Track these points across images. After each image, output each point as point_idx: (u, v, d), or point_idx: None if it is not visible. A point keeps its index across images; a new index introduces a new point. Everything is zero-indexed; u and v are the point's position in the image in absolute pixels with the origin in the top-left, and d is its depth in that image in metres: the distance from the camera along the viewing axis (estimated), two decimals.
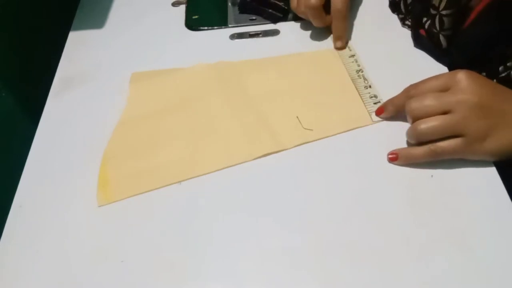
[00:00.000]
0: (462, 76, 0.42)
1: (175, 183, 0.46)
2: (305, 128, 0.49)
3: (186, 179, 0.47)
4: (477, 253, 0.39)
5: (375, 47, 0.57)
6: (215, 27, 0.63)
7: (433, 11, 0.51)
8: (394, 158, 0.45)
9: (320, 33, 0.59)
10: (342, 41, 0.57)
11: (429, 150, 0.43)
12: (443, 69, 0.53)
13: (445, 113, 0.42)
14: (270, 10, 0.62)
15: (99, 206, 0.46)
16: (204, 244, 0.42)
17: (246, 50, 0.59)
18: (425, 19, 0.53)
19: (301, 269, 0.40)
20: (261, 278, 0.40)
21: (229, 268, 0.40)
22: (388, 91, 0.49)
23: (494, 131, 0.41)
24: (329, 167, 0.46)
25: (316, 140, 0.48)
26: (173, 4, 0.67)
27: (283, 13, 0.62)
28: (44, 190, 0.47)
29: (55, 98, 0.56)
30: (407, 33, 0.57)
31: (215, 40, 0.61)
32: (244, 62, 0.57)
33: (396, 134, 0.47)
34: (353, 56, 0.56)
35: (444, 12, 0.50)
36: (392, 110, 0.48)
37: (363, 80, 0.53)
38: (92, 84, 0.57)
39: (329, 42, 0.59)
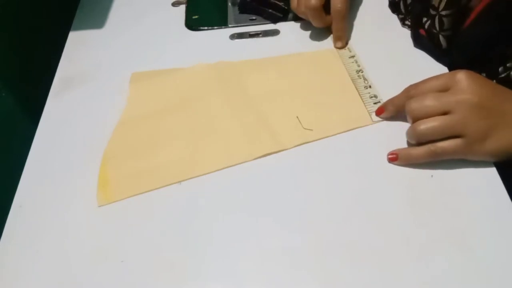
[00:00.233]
0: (462, 76, 0.42)
1: (175, 183, 0.46)
2: (305, 128, 0.49)
3: (186, 179, 0.47)
4: (477, 253, 0.39)
5: (375, 47, 0.57)
6: (215, 27, 0.63)
7: (432, 12, 0.51)
8: (394, 158, 0.45)
9: (320, 33, 0.59)
10: (342, 41, 0.57)
11: (429, 151, 0.43)
12: (443, 69, 0.53)
13: (445, 113, 0.42)
14: (270, 10, 0.62)
15: (99, 206, 0.46)
16: (204, 244, 0.42)
17: (246, 50, 0.59)
18: (425, 19, 0.53)
19: (301, 269, 0.40)
20: (261, 278, 0.40)
21: (229, 268, 0.40)
22: (388, 91, 0.49)
23: (494, 132, 0.41)
24: (329, 167, 0.46)
25: (316, 140, 0.48)
26: (173, 4, 0.67)
27: (283, 13, 0.62)
28: (44, 190, 0.47)
29: (55, 98, 0.56)
30: (407, 33, 0.57)
31: (215, 40, 0.61)
32: (244, 62, 0.57)
33: (396, 134, 0.47)
34: (353, 57, 0.56)
35: (443, 13, 0.50)
36: (392, 110, 0.48)
37: (363, 80, 0.53)
38: (92, 84, 0.57)
39: (329, 42, 0.59)
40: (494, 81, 0.47)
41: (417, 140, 0.44)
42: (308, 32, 0.60)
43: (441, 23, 0.50)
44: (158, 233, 0.43)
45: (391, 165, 0.45)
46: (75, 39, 0.64)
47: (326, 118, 0.50)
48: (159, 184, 0.46)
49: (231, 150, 0.48)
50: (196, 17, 0.64)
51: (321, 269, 0.39)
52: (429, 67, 0.53)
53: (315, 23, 0.57)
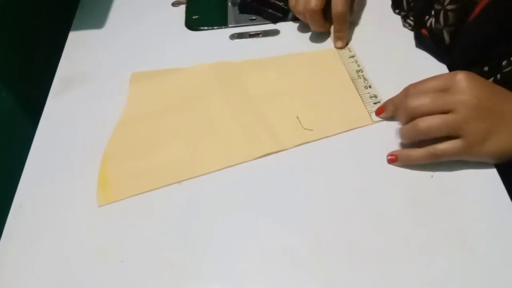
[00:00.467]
0: (461, 77, 0.42)
1: (175, 183, 0.46)
2: (305, 128, 0.49)
3: (186, 179, 0.47)
4: (477, 253, 0.39)
5: (375, 47, 0.57)
6: (215, 27, 0.63)
7: (437, 6, 0.51)
8: (393, 159, 0.45)
9: (320, 33, 0.59)
10: (343, 41, 0.57)
11: (428, 153, 0.43)
12: (443, 69, 0.53)
13: (444, 112, 0.42)
14: (270, 10, 0.62)
15: (99, 206, 0.46)
16: (204, 244, 0.42)
17: (246, 50, 0.59)
18: (427, 17, 0.53)
19: (301, 269, 0.40)
20: (261, 278, 0.40)
21: (229, 268, 0.40)
22: (388, 91, 0.49)
23: (494, 133, 0.41)
24: (329, 167, 0.46)
25: (316, 140, 0.48)
26: (173, 4, 0.67)
27: (283, 13, 0.62)
28: (44, 190, 0.47)
29: (55, 98, 0.56)
30: (407, 33, 0.57)
31: (215, 40, 0.61)
32: (244, 62, 0.57)
33: (396, 134, 0.47)
34: (353, 57, 0.56)
35: (449, 7, 0.50)
36: (392, 110, 0.48)
37: (363, 80, 0.53)
38: (92, 84, 0.57)
39: (329, 42, 0.59)
40: (498, 76, 0.46)
41: (415, 137, 0.44)
42: (308, 32, 0.60)
43: (446, 17, 0.50)
44: (158, 233, 0.43)
45: (391, 165, 0.45)
46: (75, 39, 0.64)
47: (326, 118, 0.50)
48: (159, 184, 0.46)
49: (231, 150, 0.48)
50: (196, 17, 0.65)
51: (321, 269, 0.39)
52: (429, 67, 0.53)
53: (313, 27, 0.57)
